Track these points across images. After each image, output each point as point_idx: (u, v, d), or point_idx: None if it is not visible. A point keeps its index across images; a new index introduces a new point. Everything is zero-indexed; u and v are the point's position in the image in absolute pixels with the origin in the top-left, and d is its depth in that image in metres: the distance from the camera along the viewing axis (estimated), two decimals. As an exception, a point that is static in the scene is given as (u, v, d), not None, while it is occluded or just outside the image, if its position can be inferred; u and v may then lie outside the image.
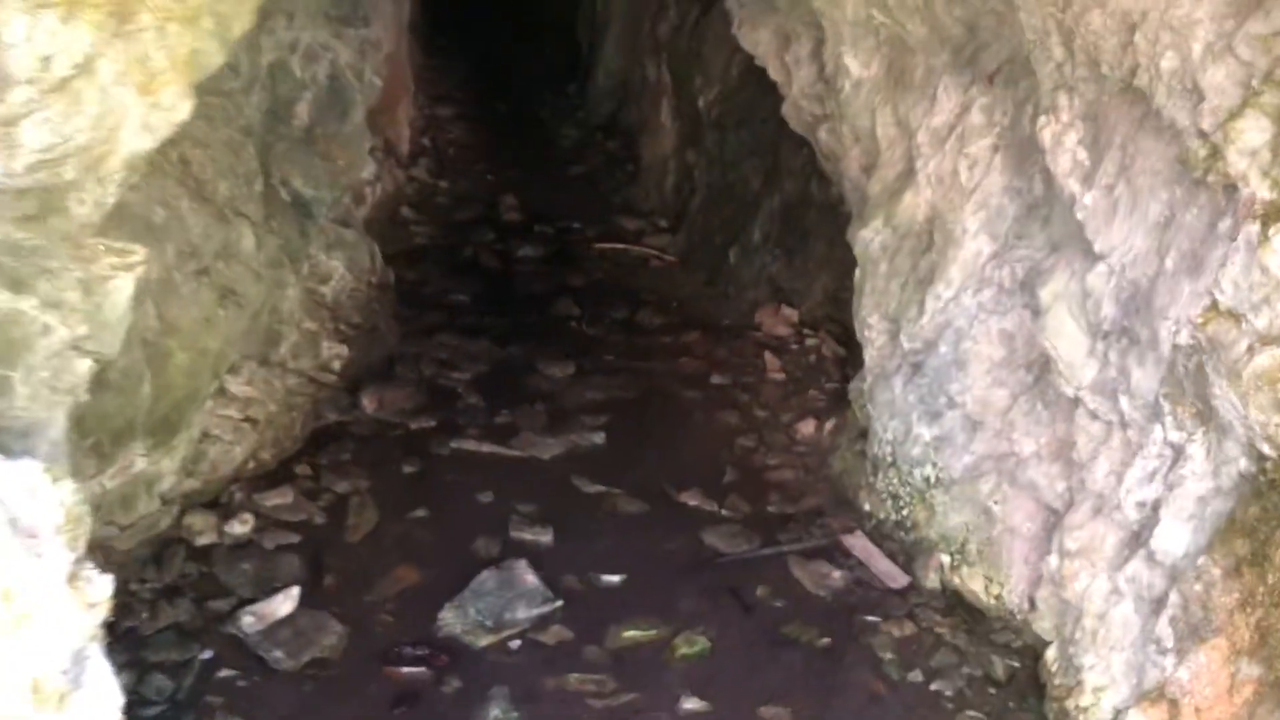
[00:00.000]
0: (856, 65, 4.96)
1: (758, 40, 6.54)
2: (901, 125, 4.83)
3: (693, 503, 5.55)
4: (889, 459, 5.11)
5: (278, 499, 5.29)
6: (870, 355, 5.12)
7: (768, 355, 7.20)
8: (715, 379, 6.99)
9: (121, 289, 3.08)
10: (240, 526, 5.02)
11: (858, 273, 5.19)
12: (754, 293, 8.11)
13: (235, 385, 5.44)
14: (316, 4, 5.85)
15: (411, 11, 16.18)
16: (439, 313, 7.87)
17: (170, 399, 4.77)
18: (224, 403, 5.36)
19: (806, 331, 7.55)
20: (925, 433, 4.78)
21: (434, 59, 17.30)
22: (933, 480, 4.81)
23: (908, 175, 4.82)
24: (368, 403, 6.27)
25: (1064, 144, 3.61)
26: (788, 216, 8.03)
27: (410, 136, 12.39)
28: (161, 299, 4.48)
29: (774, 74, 6.62)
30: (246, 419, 5.46)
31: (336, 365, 6.58)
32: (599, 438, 6.15)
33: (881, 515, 5.21)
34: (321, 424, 6.10)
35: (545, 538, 5.16)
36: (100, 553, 4.70)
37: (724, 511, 5.48)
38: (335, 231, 7.02)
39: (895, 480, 5.08)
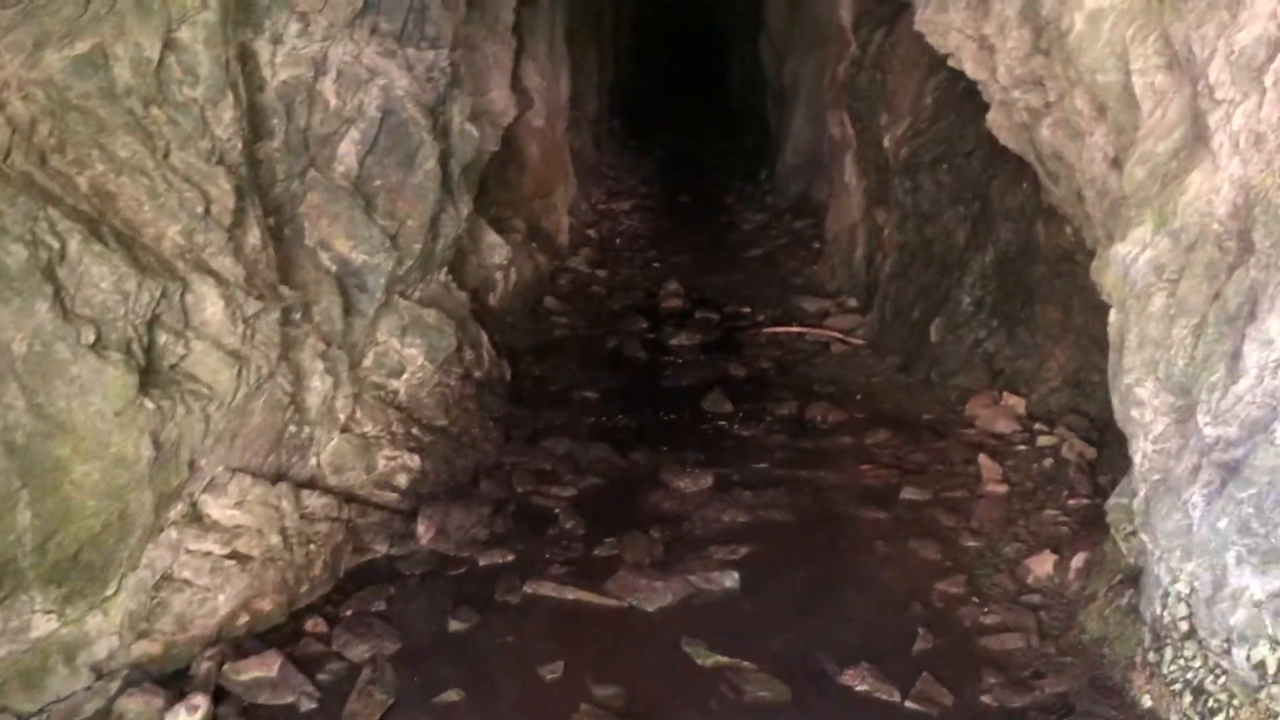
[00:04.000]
0: (1092, -11, 3.11)
1: (948, 24, 4.76)
2: (1177, 62, 2.92)
3: (861, 686, 3.61)
4: (1183, 626, 3.05)
5: (258, 671, 3.73)
6: (1142, 452, 3.09)
7: (984, 460, 5.20)
8: (908, 494, 5.04)
9: None
10: (186, 716, 3.46)
11: (1112, 317, 3.21)
12: (964, 378, 6.15)
13: (217, 509, 3.99)
14: (350, 8, 4.51)
15: (599, 112, 15.55)
16: (558, 412, 6.31)
17: (76, 530, 3.33)
18: (198, 533, 3.90)
19: (1038, 427, 5.52)
20: (1255, 586, 2.70)
21: (621, 158, 16.52)
22: (1274, 671, 2.72)
23: (1193, 144, 2.89)
24: (423, 530, 4.70)
25: None
26: (1005, 275, 6.07)
27: (572, 227, 11.22)
28: (36, 381, 3.06)
29: (973, 70, 4.81)
30: (233, 555, 3.97)
31: (401, 480, 5.09)
32: (731, 580, 4.32)
33: (1173, 718, 3.11)
34: (364, 559, 4.57)
35: (623, 744, 3.36)
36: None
37: (910, 703, 3.51)
38: (413, 312, 5.60)
39: (1197, 663, 3.01)
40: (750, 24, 16.10)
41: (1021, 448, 5.38)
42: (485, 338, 6.49)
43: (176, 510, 3.80)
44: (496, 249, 8.01)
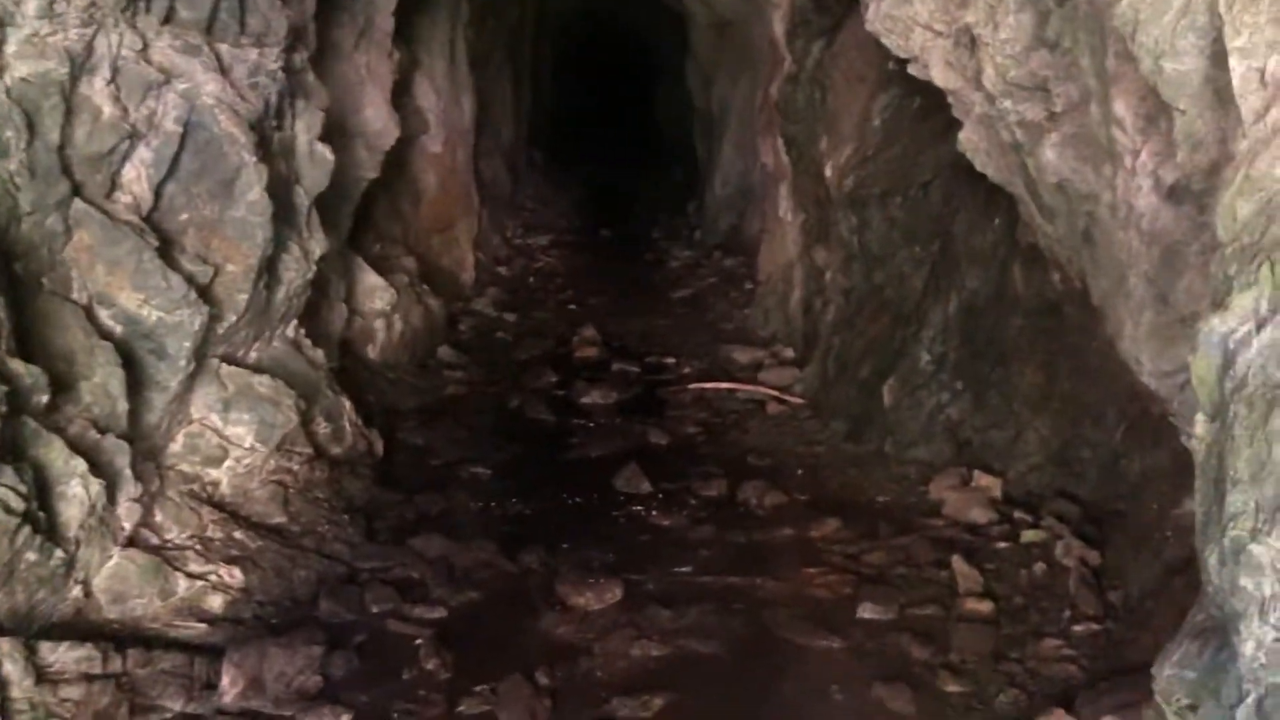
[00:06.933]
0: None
1: (912, 19, 3.76)
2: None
3: None
4: None
5: None
6: (1256, 639, 1.91)
7: (958, 564, 4.16)
8: (867, 611, 3.98)
9: None
10: None
11: (1201, 429, 2.03)
12: (924, 449, 5.16)
13: (-104, 685, 2.77)
14: (125, -16, 3.36)
15: (516, 140, 14.49)
16: (437, 496, 5.17)
17: None
18: None
19: (1020, 515, 4.52)
20: None
21: (541, 189, 15.46)
22: None
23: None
24: (228, 682, 3.49)
25: None
26: (972, 329, 5.08)
27: (479, 264, 10.10)
28: None
29: (943, 77, 3.81)
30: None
31: (214, 604, 3.92)
32: (640, 755, 3.19)
33: None
34: (148, 725, 3.36)
35: None
36: None
37: None
38: (240, 380, 4.42)
39: None
40: (677, 49, 15.26)
41: (1002, 544, 4.36)
42: (347, 404, 5.31)
43: None
44: (377, 293, 6.84)
